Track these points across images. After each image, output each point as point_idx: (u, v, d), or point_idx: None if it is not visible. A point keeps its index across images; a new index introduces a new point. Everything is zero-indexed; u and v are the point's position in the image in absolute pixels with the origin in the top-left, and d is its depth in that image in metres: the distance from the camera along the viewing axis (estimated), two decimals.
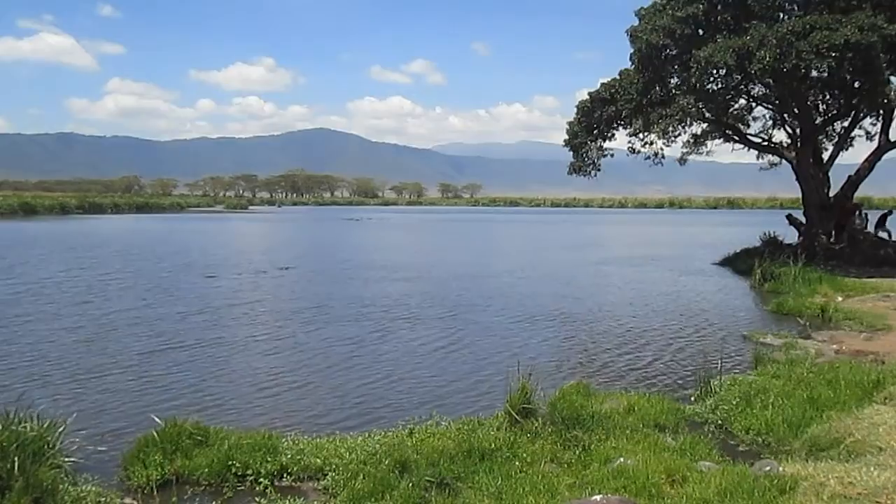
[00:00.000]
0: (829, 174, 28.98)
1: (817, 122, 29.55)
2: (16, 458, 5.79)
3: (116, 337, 14.70)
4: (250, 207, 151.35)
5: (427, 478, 6.74)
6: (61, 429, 6.96)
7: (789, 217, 30.39)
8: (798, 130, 29.48)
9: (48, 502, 5.74)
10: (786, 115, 30.45)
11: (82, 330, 15.37)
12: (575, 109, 30.68)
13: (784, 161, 31.21)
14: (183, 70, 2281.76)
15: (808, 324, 15.67)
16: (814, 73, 24.67)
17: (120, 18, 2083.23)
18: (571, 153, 31.94)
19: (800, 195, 29.49)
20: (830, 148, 30.65)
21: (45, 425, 6.84)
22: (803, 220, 29.19)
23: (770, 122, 32.96)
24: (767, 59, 21.74)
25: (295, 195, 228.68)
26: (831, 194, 28.50)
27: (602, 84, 29.48)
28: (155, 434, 7.68)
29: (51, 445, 6.63)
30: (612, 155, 32.33)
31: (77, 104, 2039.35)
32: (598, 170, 32.30)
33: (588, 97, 29.90)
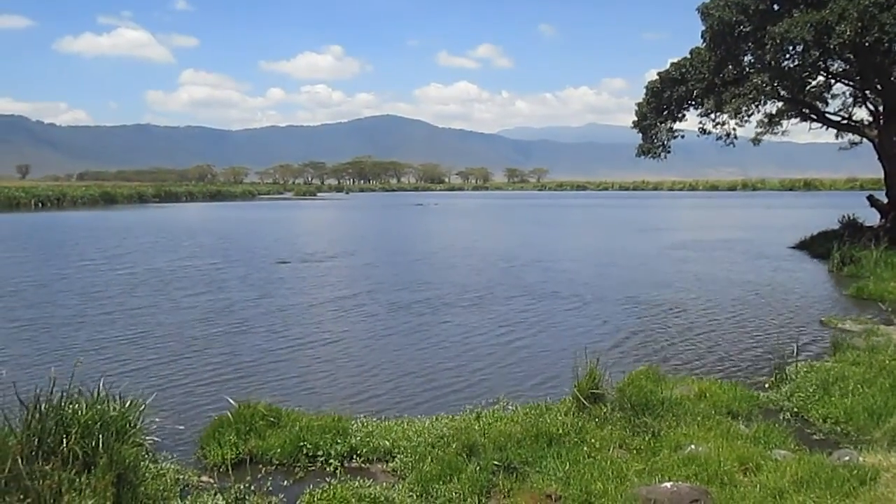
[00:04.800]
0: None
1: None
2: (100, 437, 6.04)
3: (210, 323, 15.20)
4: (319, 194, 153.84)
5: (494, 462, 6.76)
6: (142, 408, 7.24)
7: (871, 198, 29.12)
8: (881, 107, 28.17)
9: (130, 478, 5.97)
10: (868, 92, 29.11)
11: (184, 318, 15.94)
12: (644, 90, 30.14)
13: (865, 140, 29.91)
14: (254, 60, 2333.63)
15: (890, 309, 15.02)
16: None
17: (194, 12, 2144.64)
18: (640, 135, 31.40)
19: (882, 175, 28.24)
20: None
21: (126, 405, 7.12)
22: (886, 201, 27.95)
23: (850, 100, 31.54)
24: (848, 33, 20.83)
25: (362, 182, 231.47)
26: None
27: (672, 64, 28.83)
28: (230, 415, 7.92)
29: (132, 424, 6.89)
30: (682, 136, 31.59)
31: (153, 96, 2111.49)
32: (668, 151, 31.66)
33: (657, 78, 29.30)
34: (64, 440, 5.88)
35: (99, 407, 6.57)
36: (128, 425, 6.79)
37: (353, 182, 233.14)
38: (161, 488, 6.34)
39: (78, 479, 5.58)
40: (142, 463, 6.48)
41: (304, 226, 52.85)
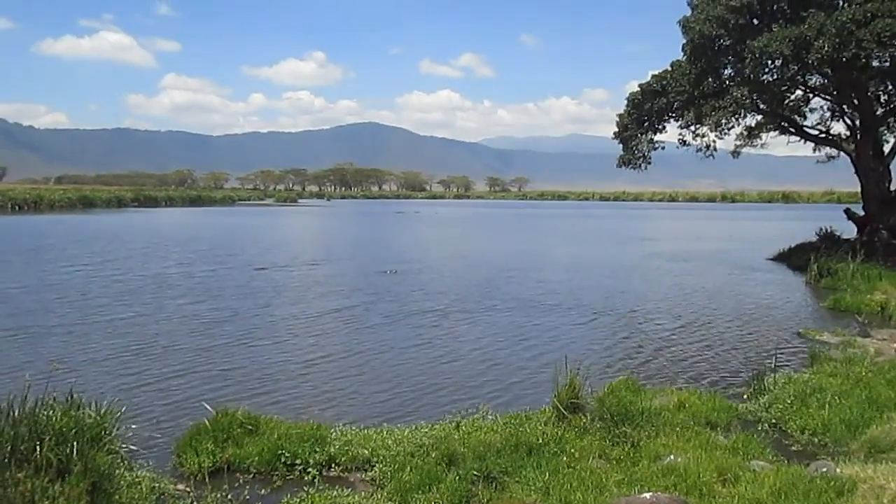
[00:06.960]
0: (891, 167, 28.02)
1: (878, 113, 28.57)
2: (75, 444, 5.94)
3: (200, 330, 15.04)
4: (299, 201, 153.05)
5: (474, 471, 6.73)
6: (118, 416, 7.13)
7: (847, 211, 29.51)
8: (857, 122, 28.59)
9: (105, 487, 5.88)
10: (845, 107, 29.55)
11: (170, 325, 15.76)
12: (625, 102, 30.33)
13: (842, 154, 30.33)
14: (236, 66, 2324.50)
15: (866, 321, 15.20)
16: (875, 63, 23.90)
17: (177, 17, 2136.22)
18: (621, 146, 31.57)
19: (859, 189, 28.64)
20: (892, 140, 29.68)
21: (102, 412, 7.02)
22: (862, 214, 28.33)
23: (828, 114, 32.01)
24: (826, 48, 21.12)
25: (343, 189, 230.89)
26: (892, 188, 27.58)
27: (653, 76, 29.02)
28: (207, 423, 7.83)
29: (108, 432, 6.79)
30: (662, 147, 31.80)
31: (134, 100, 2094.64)
32: (649, 163, 31.84)
33: (639, 89, 29.48)
34: (37, 447, 5.78)
35: (74, 414, 6.47)
36: (103, 433, 6.69)
37: (335, 189, 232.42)
38: (136, 497, 6.24)
39: (51, 487, 5.49)
40: (117, 471, 6.39)
41: (290, 233, 52.59)
